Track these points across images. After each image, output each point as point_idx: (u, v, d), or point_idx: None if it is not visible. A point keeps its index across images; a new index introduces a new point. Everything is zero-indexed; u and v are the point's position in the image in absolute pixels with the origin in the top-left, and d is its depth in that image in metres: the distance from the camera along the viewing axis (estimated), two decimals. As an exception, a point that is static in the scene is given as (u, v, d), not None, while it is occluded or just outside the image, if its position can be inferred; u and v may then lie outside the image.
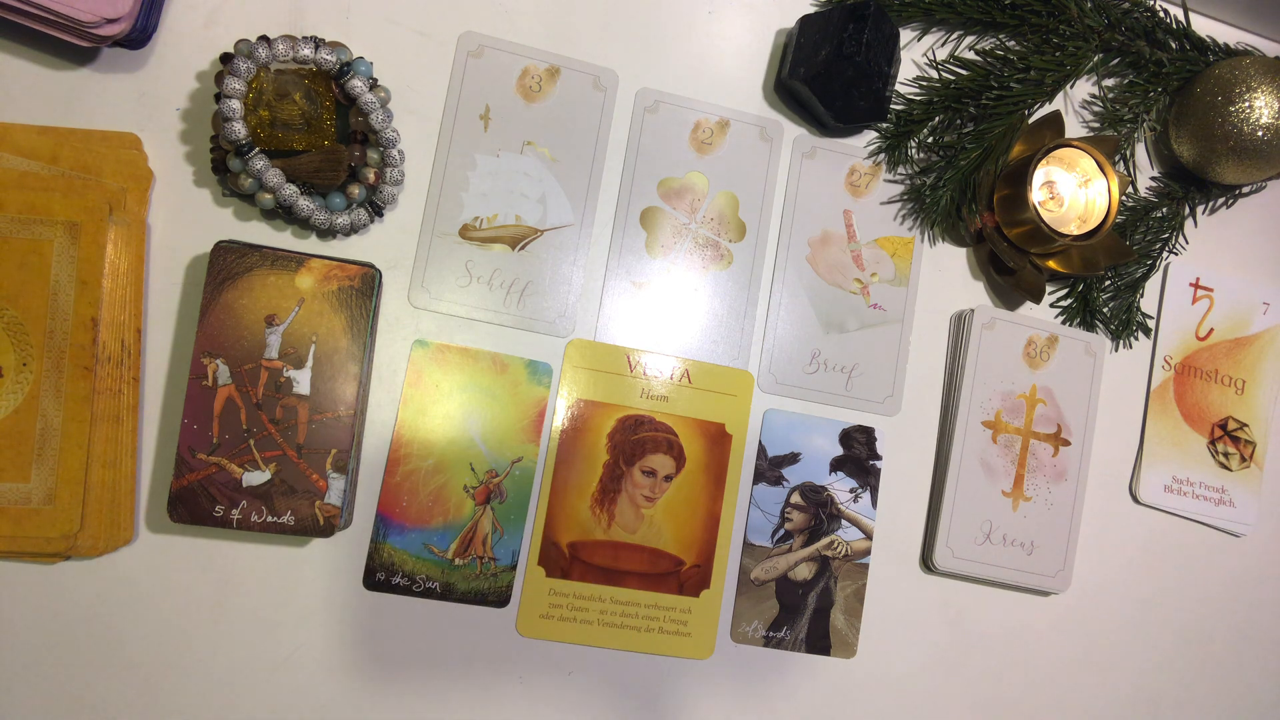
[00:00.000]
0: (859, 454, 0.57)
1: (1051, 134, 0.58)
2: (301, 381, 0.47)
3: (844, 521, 0.56)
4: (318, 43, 0.47)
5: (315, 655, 0.50)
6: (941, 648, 0.58)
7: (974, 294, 0.60)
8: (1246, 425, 0.64)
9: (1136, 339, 0.62)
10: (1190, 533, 0.63)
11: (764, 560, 0.55)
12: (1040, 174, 0.57)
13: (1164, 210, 0.62)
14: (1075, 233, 0.57)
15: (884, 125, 0.58)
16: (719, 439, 0.55)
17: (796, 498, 0.56)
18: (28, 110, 0.48)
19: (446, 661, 0.51)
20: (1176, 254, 0.63)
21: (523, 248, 0.53)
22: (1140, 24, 0.60)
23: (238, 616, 0.49)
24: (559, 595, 0.52)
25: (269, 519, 0.46)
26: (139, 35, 0.48)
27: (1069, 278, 0.60)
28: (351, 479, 0.48)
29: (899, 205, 0.59)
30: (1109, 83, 0.62)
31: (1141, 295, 0.62)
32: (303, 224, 0.50)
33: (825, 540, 0.56)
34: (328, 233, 0.51)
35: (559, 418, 0.53)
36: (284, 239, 0.51)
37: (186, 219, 0.50)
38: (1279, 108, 0.57)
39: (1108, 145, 0.58)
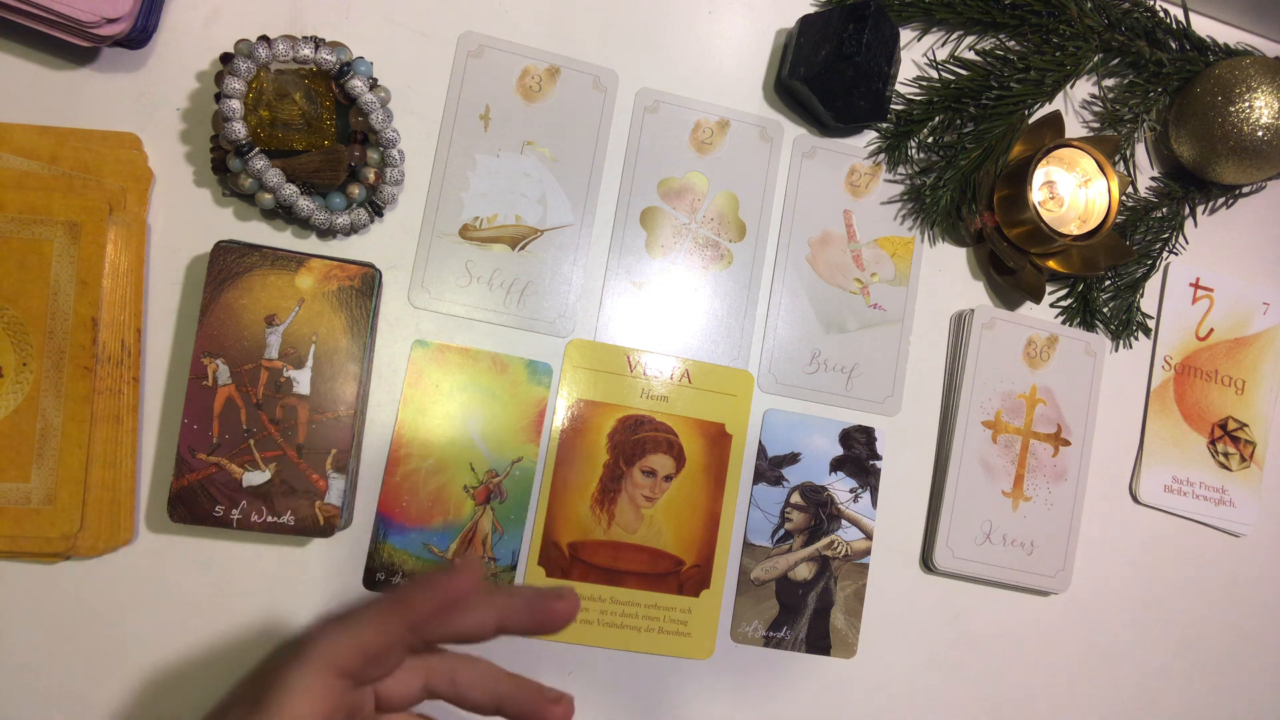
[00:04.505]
0: (859, 454, 0.57)
1: (1051, 134, 0.58)
2: (301, 381, 0.47)
3: (844, 521, 0.56)
4: (318, 43, 0.47)
5: (315, 655, 0.50)
6: (941, 648, 0.58)
7: (974, 294, 0.60)
8: (1246, 425, 0.63)
9: (1136, 339, 0.62)
10: (1190, 533, 0.63)
11: (764, 560, 0.55)
12: (1040, 174, 0.57)
13: (1164, 210, 0.62)
14: (1075, 233, 0.57)
15: (884, 125, 0.58)
16: (719, 439, 0.55)
17: (796, 498, 0.56)
18: (28, 110, 0.48)
19: (446, 661, 0.51)
20: (1176, 254, 0.63)
21: (523, 248, 0.53)
22: (1140, 24, 0.60)
23: (238, 616, 0.49)
24: (559, 595, 0.52)
25: (269, 519, 0.46)
26: (139, 35, 0.48)
27: (1069, 278, 0.60)
28: (351, 479, 0.48)
29: (899, 205, 0.59)
30: (1109, 83, 0.62)
31: (1141, 295, 0.62)
32: (303, 224, 0.50)
33: (825, 540, 0.56)
34: (328, 233, 0.51)
35: (559, 418, 0.53)
36: (284, 239, 0.51)
37: (186, 219, 0.50)
38: (1279, 108, 0.57)
39: (1108, 145, 0.58)
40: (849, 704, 0.56)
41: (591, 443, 0.53)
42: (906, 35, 0.59)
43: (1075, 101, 0.62)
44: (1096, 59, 0.60)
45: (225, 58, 0.46)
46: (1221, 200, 0.64)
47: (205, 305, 0.46)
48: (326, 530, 0.47)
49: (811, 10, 0.58)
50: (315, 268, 0.47)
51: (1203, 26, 0.63)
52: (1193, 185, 0.63)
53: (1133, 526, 0.62)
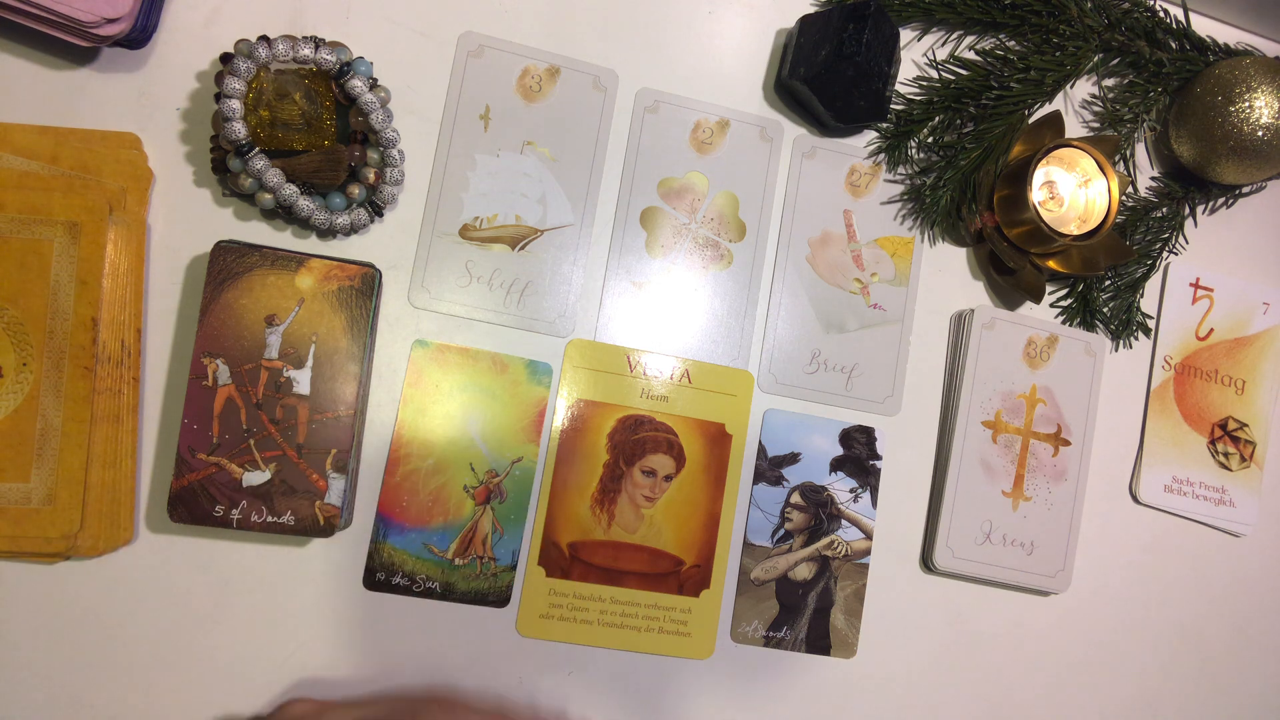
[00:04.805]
0: (859, 454, 0.57)
1: (1051, 134, 0.58)
2: (301, 381, 0.47)
3: (844, 521, 0.56)
4: (318, 43, 0.47)
5: (315, 655, 0.50)
6: (941, 648, 0.58)
7: (974, 294, 0.60)
8: (1246, 425, 0.63)
9: (1136, 339, 0.62)
10: (1190, 533, 0.63)
11: (764, 560, 0.55)
12: (1040, 174, 0.57)
13: (1164, 210, 0.62)
14: (1075, 233, 0.57)
15: (884, 125, 0.58)
16: (719, 439, 0.55)
17: (796, 498, 0.56)
18: (28, 110, 0.48)
19: (446, 661, 0.51)
20: (1176, 254, 0.63)
21: (523, 248, 0.53)
22: (1140, 24, 0.60)
23: (238, 616, 0.49)
24: (559, 595, 0.52)
25: (269, 519, 0.46)
26: (139, 35, 0.48)
27: (1069, 278, 0.60)
28: (351, 479, 0.48)
29: (899, 205, 0.59)
30: (1109, 83, 0.62)
31: (1141, 295, 0.62)
32: (303, 224, 0.50)
33: (825, 540, 0.56)
34: (328, 233, 0.51)
35: (559, 418, 0.53)
36: (284, 239, 0.51)
37: (186, 219, 0.50)
38: (1279, 108, 0.57)
39: (1108, 145, 0.58)
40: (849, 704, 0.56)
41: (591, 443, 0.53)
42: (906, 35, 0.59)
43: (1075, 101, 0.62)
44: (1096, 59, 0.60)
45: (225, 58, 0.46)
46: (1221, 200, 0.64)
47: (205, 305, 0.46)
48: (326, 530, 0.47)
49: (811, 10, 0.58)
50: (315, 268, 0.47)
51: (1203, 26, 0.63)
52: (1193, 185, 0.63)
53: (1133, 526, 0.62)
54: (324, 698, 0.49)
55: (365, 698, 0.49)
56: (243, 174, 0.47)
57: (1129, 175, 0.61)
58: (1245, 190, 0.64)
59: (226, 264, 0.46)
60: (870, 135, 0.59)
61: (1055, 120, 0.58)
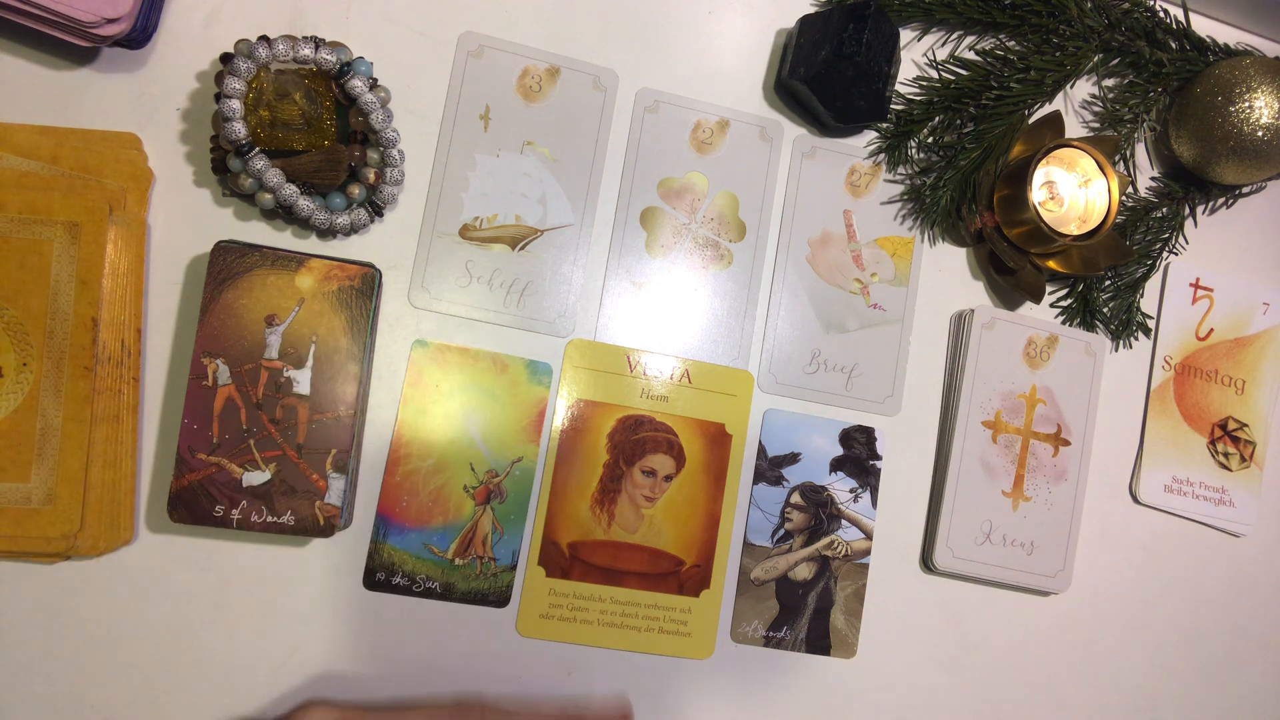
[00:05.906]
0: (859, 454, 0.57)
1: (1051, 134, 0.58)
2: (301, 381, 0.47)
3: (844, 521, 0.56)
4: (318, 43, 0.47)
5: (315, 655, 0.50)
6: (941, 648, 0.58)
7: (974, 294, 0.60)
8: (1246, 425, 0.63)
9: (1136, 339, 0.62)
10: (1190, 533, 0.63)
11: (764, 560, 0.55)
12: (1040, 174, 0.57)
13: (1164, 210, 0.62)
14: (1075, 233, 0.57)
15: (884, 125, 0.58)
16: (719, 439, 0.55)
17: (796, 498, 0.56)
18: (28, 110, 0.48)
19: (446, 661, 0.51)
20: (1176, 254, 0.63)
21: (523, 248, 0.53)
22: (1140, 24, 0.60)
23: (238, 616, 0.49)
24: (559, 595, 0.52)
25: (269, 519, 0.46)
26: (139, 35, 0.48)
27: (1069, 278, 0.60)
28: (351, 479, 0.48)
29: (899, 205, 0.59)
30: (1109, 83, 0.62)
31: (1141, 295, 0.62)
32: (303, 224, 0.50)
33: (825, 540, 0.56)
34: (328, 233, 0.51)
35: (559, 418, 0.53)
36: (284, 239, 0.51)
37: (186, 219, 0.50)
38: (1279, 108, 0.57)
39: (1108, 145, 0.58)
40: (849, 704, 0.56)
41: (591, 443, 0.53)
42: (906, 35, 0.59)
43: (1075, 101, 0.62)
44: (1096, 59, 0.60)
45: (225, 58, 0.46)
46: (1221, 200, 0.64)
47: (205, 305, 0.46)
48: (326, 530, 0.47)
49: (811, 10, 0.58)
50: (315, 268, 0.47)
51: (1203, 26, 0.63)
52: (1193, 185, 0.63)
53: (1133, 526, 0.62)
54: (328, 697, 0.49)
55: (386, 704, 0.49)
56: (243, 174, 0.47)
57: (1129, 175, 0.61)
58: (1245, 190, 0.64)
59: (226, 264, 0.46)
60: (870, 135, 0.59)
61: (1055, 120, 0.58)
